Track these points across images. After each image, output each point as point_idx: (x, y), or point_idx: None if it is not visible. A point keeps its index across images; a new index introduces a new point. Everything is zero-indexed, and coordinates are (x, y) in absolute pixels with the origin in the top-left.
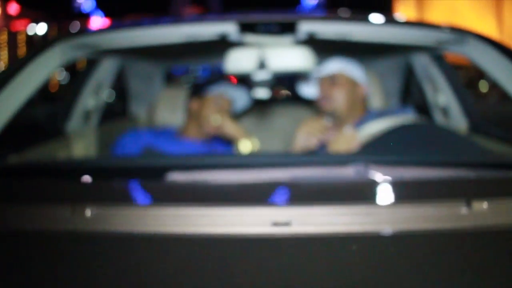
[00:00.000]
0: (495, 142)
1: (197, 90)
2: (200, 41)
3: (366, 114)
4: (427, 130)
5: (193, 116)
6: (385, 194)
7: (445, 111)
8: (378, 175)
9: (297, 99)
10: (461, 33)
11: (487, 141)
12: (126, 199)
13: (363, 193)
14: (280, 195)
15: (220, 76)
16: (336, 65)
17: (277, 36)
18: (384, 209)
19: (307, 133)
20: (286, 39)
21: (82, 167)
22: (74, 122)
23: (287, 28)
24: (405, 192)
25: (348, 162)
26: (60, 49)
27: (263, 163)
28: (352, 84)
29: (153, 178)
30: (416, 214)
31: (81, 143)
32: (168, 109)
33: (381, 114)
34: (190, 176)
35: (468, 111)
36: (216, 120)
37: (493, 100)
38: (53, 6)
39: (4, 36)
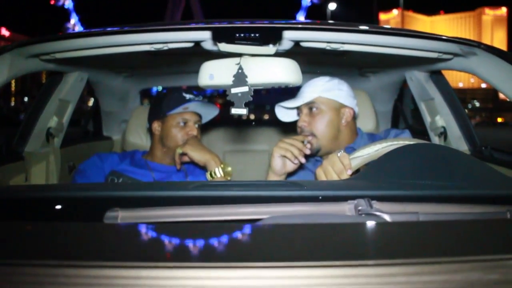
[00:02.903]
0: (500, 168)
1: (157, 109)
2: (172, 50)
3: (357, 137)
4: (438, 153)
5: (157, 139)
6: (398, 245)
7: (444, 134)
8: (385, 216)
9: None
10: (467, 43)
11: (493, 167)
12: (36, 253)
13: (365, 242)
14: (256, 248)
15: (177, 90)
16: (313, 89)
17: (257, 45)
18: (395, 270)
19: (280, 148)
20: (268, 48)
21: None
22: (33, 144)
23: (269, 36)
24: (427, 242)
25: (344, 196)
26: (8, 59)
27: (237, 196)
28: (335, 108)
29: (85, 216)
30: (442, 277)
31: (39, 167)
32: (141, 129)
33: (374, 137)
34: (137, 214)
35: (468, 134)
36: (180, 150)
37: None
38: (44, 30)
39: None
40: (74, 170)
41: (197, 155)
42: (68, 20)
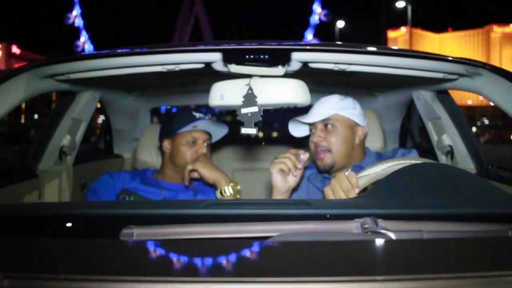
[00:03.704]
0: (507, 187)
1: (167, 127)
2: (183, 71)
3: (365, 156)
4: (443, 172)
5: (167, 157)
6: (403, 262)
7: (450, 153)
8: (390, 234)
9: (287, 138)
10: (472, 64)
11: (499, 185)
12: (53, 266)
13: (370, 260)
14: (265, 265)
15: (186, 109)
16: (329, 106)
17: (266, 66)
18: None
19: (281, 171)
20: (277, 69)
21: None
22: (46, 162)
23: (278, 58)
24: (431, 259)
25: (351, 215)
26: (25, 79)
27: (247, 214)
28: (349, 126)
29: (102, 232)
30: None
31: (53, 184)
32: (152, 148)
33: (381, 156)
34: (152, 231)
35: (474, 152)
36: (191, 166)
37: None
38: (55, 48)
39: None
40: (86, 187)
41: (207, 172)
42: (78, 38)
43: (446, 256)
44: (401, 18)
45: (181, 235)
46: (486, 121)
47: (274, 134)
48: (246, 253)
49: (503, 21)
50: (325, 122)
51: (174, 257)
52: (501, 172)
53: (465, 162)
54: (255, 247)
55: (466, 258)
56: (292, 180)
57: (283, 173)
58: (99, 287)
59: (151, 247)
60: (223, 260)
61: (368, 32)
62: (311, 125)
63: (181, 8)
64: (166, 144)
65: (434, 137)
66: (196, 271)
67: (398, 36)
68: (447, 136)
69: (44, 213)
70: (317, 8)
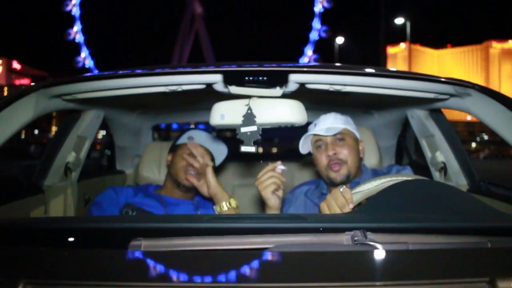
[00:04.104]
0: (498, 202)
1: (172, 142)
2: (185, 91)
3: (362, 172)
4: (429, 188)
5: (168, 171)
6: (387, 269)
7: (444, 169)
8: (378, 245)
9: (286, 155)
10: (462, 85)
11: (489, 201)
12: (68, 273)
13: (357, 267)
14: (262, 273)
15: (192, 128)
16: (338, 121)
17: (265, 87)
18: None
19: (267, 187)
20: (275, 90)
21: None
22: (52, 178)
23: (276, 79)
24: (412, 267)
25: (343, 228)
26: (34, 98)
27: (244, 228)
28: (355, 139)
29: (111, 244)
30: None
31: (58, 200)
32: (154, 164)
33: (377, 172)
34: (158, 243)
35: (467, 169)
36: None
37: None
38: (55, 64)
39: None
40: (90, 202)
41: (213, 181)
42: (79, 54)
43: (429, 265)
44: (401, 34)
45: (184, 247)
46: (486, 137)
47: (274, 150)
48: (244, 263)
49: (502, 37)
50: (337, 136)
51: (177, 266)
52: (492, 187)
53: (458, 178)
54: (253, 258)
55: (448, 267)
56: (281, 194)
57: (275, 191)
58: None
59: (156, 257)
60: (223, 269)
61: (368, 48)
62: (318, 141)
63: (181, 24)
64: (169, 157)
65: (428, 154)
66: (197, 278)
67: (397, 52)
68: (440, 153)
69: (62, 226)
70: (316, 24)
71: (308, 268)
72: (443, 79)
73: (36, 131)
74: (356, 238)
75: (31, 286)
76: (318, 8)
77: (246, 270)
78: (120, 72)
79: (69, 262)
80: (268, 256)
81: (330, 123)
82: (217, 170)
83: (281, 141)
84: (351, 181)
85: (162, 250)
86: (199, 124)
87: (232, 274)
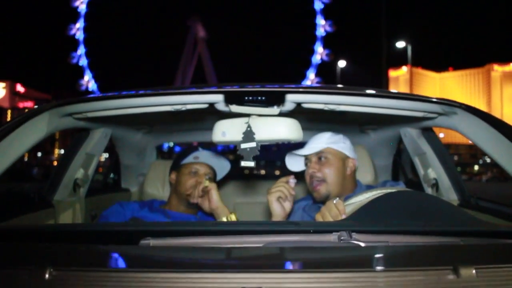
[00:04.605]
0: (485, 215)
1: (175, 161)
2: (189, 110)
3: (356, 188)
4: (413, 198)
5: (173, 188)
6: (368, 261)
7: (435, 185)
8: (362, 244)
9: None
10: (449, 104)
11: (478, 214)
12: (88, 262)
13: (342, 259)
14: (253, 260)
15: (194, 146)
16: (321, 140)
17: (263, 106)
18: (366, 276)
19: (278, 199)
20: (272, 109)
21: (47, 232)
22: (61, 193)
23: (273, 99)
24: (390, 259)
25: (331, 230)
26: (47, 117)
27: (242, 230)
28: (341, 158)
29: (123, 243)
30: (400, 281)
31: (67, 214)
32: (158, 182)
33: (371, 188)
34: (165, 242)
35: (458, 185)
36: (207, 183)
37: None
38: (59, 87)
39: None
40: (96, 218)
41: (215, 197)
42: (82, 77)
43: (406, 258)
44: (402, 57)
45: (187, 245)
46: (488, 159)
47: (277, 172)
48: (239, 258)
49: (503, 60)
50: (319, 155)
51: (180, 259)
52: (480, 202)
53: (449, 193)
54: (247, 254)
55: (421, 258)
56: (287, 206)
57: (280, 199)
58: (122, 276)
59: (162, 252)
60: (220, 263)
61: (370, 71)
62: (306, 159)
63: (184, 48)
64: (173, 176)
65: (420, 171)
66: (200, 265)
67: (399, 75)
68: (432, 170)
69: (82, 229)
70: (319, 48)
71: (298, 260)
72: (431, 99)
73: (39, 154)
74: (342, 238)
75: (56, 272)
76: (320, 32)
77: (241, 264)
78: (128, 92)
79: (88, 254)
80: (262, 251)
81: (314, 143)
82: (220, 187)
83: (283, 164)
84: (345, 197)
85: (167, 246)
86: (201, 144)
87: (230, 266)
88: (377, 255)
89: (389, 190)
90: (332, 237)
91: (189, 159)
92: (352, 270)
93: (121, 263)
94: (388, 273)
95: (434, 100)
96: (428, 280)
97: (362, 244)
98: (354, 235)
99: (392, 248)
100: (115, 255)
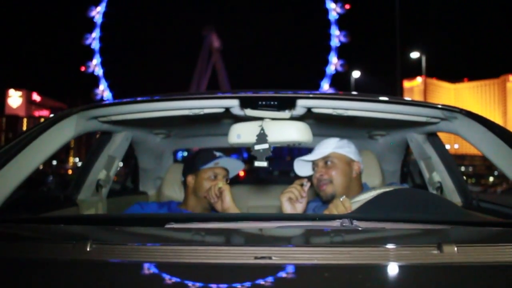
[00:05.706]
0: (487, 215)
1: (191, 164)
2: (206, 114)
3: (363, 190)
4: (414, 195)
5: (190, 190)
6: (365, 240)
7: (440, 188)
8: (360, 228)
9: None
10: (449, 109)
11: (480, 215)
12: (124, 239)
13: (342, 238)
14: (264, 237)
15: (207, 149)
16: (329, 146)
17: (276, 111)
18: (362, 251)
19: (289, 199)
20: (284, 113)
21: (87, 218)
22: (85, 193)
23: (285, 104)
24: (384, 239)
25: (334, 218)
26: (75, 120)
27: (254, 217)
28: (346, 162)
29: (151, 225)
30: (391, 255)
31: (90, 213)
32: (176, 184)
33: (375, 188)
34: (186, 225)
35: (461, 188)
36: (221, 184)
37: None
38: (74, 96)
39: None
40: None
41: (228, 197)
42: (97, 86)
43: (399, 239)
44: (417, 68)
45: (206, 227)
46: None
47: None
48: (249, 238)
49: None
50: (326, 160)
51: (200, 236)
52: (482, 203)
53: (452, 196)
54: (257, 235)
55: (412, 239)
56: (299, 207)
57: (291, 200)
58: (151, 248)
59: (185, 232)
60: (235, 240)
61: (384, 81)
62: (314, 164)
63: (198, 58)
64: (190, 179)
65: (426, 175)
66: (218, 242)
67: (413, 86)
68: (436, 174)
69: (114, 217)
70: (333, 58)
71: (304, 237)
72: (432, 104)
73: (54, 162)
74: (344, 224)
75: (96, 245)
76: (334, 42)
77: (253, 239)
78: (149, 97)
79: (122, 234)
80: (272, 231)
81: (320, 149)
82: (235, 191)
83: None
84: (352, 197)
85: (188, 228)
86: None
87: (243, 242)
88: (373, 235)
89: (391, 188)
90: (335, 223)
91: (210, 165)
92: (350, 245)
93: (149, 240)
94: (381, 249)
95: (436, 105)
96: (415, 255)
97: (361, 228)
98: (355, 222)
99: (387, 231)
100: (144, 234)
